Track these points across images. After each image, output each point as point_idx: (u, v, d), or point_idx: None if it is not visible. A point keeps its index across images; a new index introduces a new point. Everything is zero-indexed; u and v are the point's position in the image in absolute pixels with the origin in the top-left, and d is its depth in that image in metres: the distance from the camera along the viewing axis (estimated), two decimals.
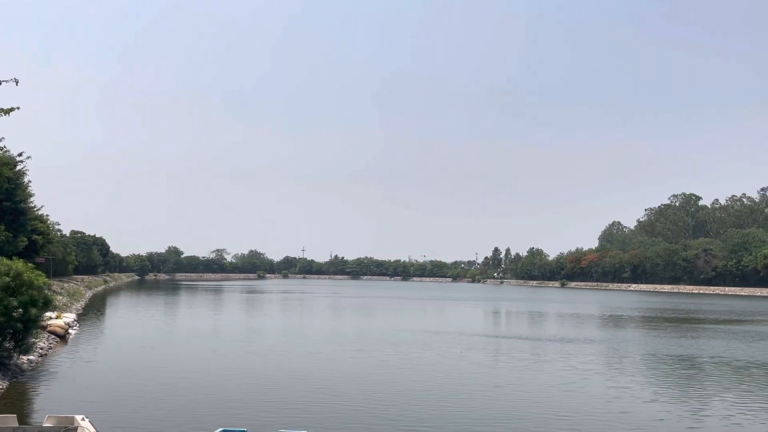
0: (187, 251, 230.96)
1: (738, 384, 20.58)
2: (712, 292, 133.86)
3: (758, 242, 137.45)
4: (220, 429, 12.14)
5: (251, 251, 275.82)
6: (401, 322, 43.62)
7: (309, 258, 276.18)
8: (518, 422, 14.81)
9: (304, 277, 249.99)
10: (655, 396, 18.01)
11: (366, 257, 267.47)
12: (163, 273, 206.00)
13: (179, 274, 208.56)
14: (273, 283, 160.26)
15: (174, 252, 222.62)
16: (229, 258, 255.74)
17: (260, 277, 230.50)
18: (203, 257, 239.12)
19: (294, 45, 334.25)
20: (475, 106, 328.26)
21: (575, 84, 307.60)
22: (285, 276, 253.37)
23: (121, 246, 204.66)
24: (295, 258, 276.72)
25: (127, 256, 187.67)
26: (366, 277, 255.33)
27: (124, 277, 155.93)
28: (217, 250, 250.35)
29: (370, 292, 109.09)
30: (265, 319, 45.97)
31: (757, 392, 19.19)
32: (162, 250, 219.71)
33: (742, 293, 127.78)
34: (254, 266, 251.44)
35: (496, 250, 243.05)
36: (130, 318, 44.13)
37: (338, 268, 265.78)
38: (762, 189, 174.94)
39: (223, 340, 30.59)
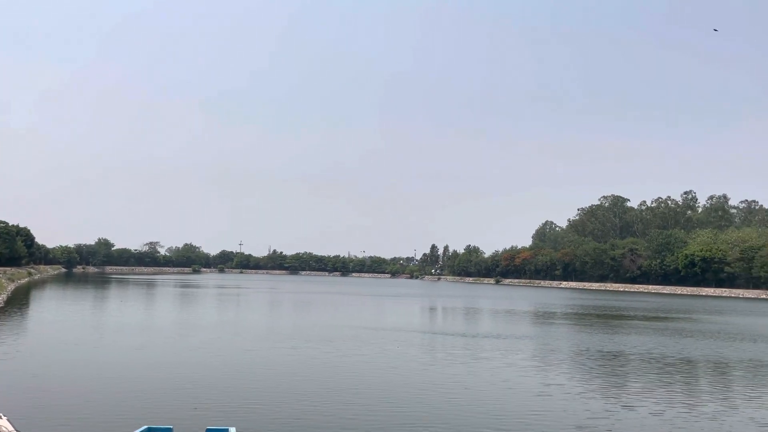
0: (119, 243, 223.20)
1: (666, 379, 21.32)
2: (636, 290, 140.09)
3: (680, 243, 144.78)
4: (145, 427, 11.75)
5: (186, 245, 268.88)
6: (339, 318, 43.51)
7: (246, 252, 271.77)
8: (457, 419, 14.97)
9: (241, 272, 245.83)
10: (588, 391, 18.42)
11: (305, 252, 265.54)
12: (93, 266, 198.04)
13: (109, 267, 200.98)
14: (208, 278, 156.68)
15: (104, 244, 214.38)
16: (162, 251, 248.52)
17: (195, 272, 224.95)
18: (135, 250, 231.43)
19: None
20: (435, 104, 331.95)
21: (525, 84, 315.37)
22: (221, 270, 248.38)
23: (49, 238, 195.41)
24: (232, 252, 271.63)
25: (54, 248, 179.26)
26: (305, 272, 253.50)
27: (51, 270, 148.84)
28: (150, 243, 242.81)
29: (308, 287, 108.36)
30: (199, 314, 44.88)
31: (685, 387, 19.97)
32: (92, 242, 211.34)
33: (665, 291, 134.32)
34: (189, 260, 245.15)
35: (434, 247, 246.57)
36: (56, 312, 42.15)
37: (276, 263, 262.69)
38: (685, 192, 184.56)
39: (153, 336, 29.63)
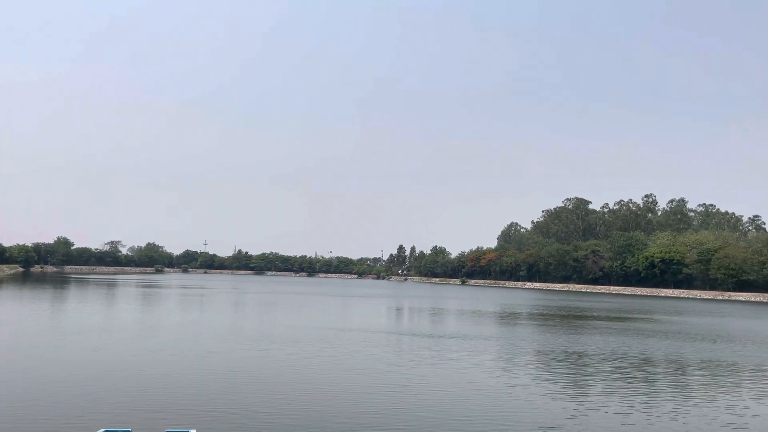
0: (79, 243, 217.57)
1: (629, 379, 21.56)
2: (598, 291, 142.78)
3: (640, 245, 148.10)
4: (103, 430, 11.38)
5: (149, 244, 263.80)
6: (304, 319, 43.08)
7: (211, 252, 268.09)
8: (424, 421, 14.81)
9: (206, 272, 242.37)
10: (554, 392, 18.51)
11: (271, 252, 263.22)
12: (51, 265, 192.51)
13: (69, 267, 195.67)
14: (172, 278, 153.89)
15: (64, 243, 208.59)
16: (124, 251, 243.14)
17: (158, 272, 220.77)
18: (96, 249, 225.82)
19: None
20: (406, 106, 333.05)
21: (497, 85, 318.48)
22: (185, 270, 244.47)
23: (5, 237, 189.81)
24: (196, 252, 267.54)
25: (11, 246, 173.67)
26: (271, 272, 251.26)
27: (7, 269, 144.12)
28: (112, 242, 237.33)
29: (273, 287, 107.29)
30: (160, 315, 43.89)
31: (648, 387, 20.20)
32: (50, 240, 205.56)
33: (625, 292, 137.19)
34: (152, 260, 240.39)
35: (401, 247, 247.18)
36: (10, 313, 40.69)
37: (242, 263, 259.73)
38: (646, 196, 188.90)
39: (112, 337, 28.77)
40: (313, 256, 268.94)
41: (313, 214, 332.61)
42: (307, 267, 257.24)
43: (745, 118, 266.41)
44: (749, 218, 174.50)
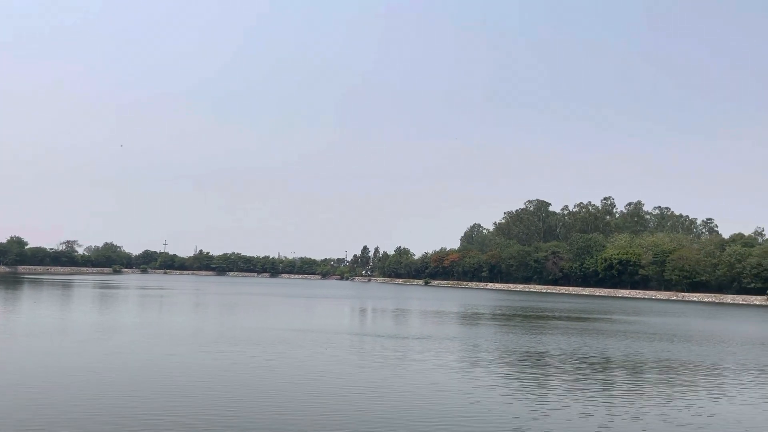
0: (33, 242, 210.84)
1: (591, 379, 21.80)
2: (558, 291, 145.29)
3: (599, 246, 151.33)
4: None
5: (106, 244, 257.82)
6: (266, 321, 42.49)
7: (171, 252, 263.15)
8: (387, 423, 14.63)
9: (166, 273, 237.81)
10: (517, 392, 18.55)
11: (233, 253, 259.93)
12: (4, 265, 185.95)
13: (22, 267, 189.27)
14: (130, 278, 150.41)
15: (17, 242, 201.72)
16: (80, 250, 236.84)
17: (116, 272, 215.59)
18: (51, 249, 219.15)
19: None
20: (374, 107, 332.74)
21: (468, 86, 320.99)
22: (144, 271, 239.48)
23: None
24: (155, 252, 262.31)
25: None
26: (232, 273, 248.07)
27: None
28: (68, 242, 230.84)
29: (235, 288, 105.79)
30: (117, 317, 42.67)
31: (609, 387, 20.43)
32: (3, 240, 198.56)
33: (584, 293, 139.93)
34: (109, 260, 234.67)
35: (365, 248, 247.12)
36: None
37: (203, 263, 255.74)
38: (605, 198, 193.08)
39: (64, 340, 27.80)
40: (276, 256, 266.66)
41: (277, 214, 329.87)
42: (270, 267, 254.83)
43: (703, 125, 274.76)
44: (703, 221, 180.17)
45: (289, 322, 41.64)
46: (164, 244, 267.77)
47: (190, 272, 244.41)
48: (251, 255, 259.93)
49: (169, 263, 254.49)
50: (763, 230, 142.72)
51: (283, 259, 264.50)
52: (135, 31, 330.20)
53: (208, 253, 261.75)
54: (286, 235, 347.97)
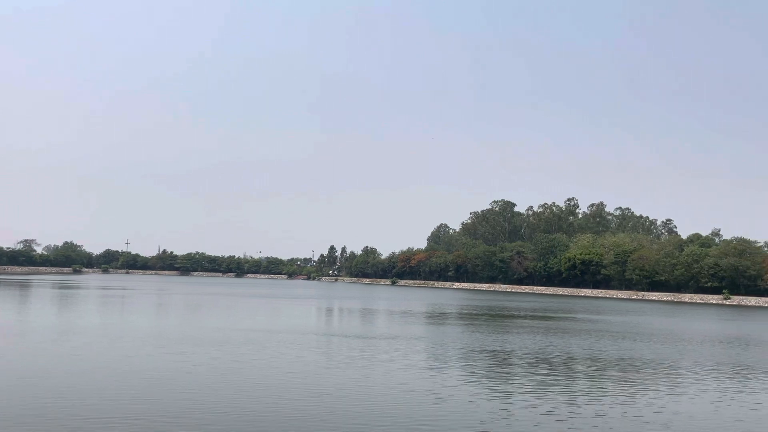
0: None
1: (557, 378, 21.99)
2: (523, 291, 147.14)
3: (562, 247, 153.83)
4: None
5: (66, 243, 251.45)
6: (232, 321, 41.85)
7: (133, 252, 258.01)
8: (355, 425, 14.43)
9: (128, 272, 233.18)
10: (484, 392, 18.53)
11: (197, 252, 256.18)
12: None
13: None
14: (90, 278, 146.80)
15: None
16: (39, 249, 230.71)
17: (76, 272, 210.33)
18: (8, 248, 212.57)
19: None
20: (342, 106, 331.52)
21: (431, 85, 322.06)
22: (105, 271, 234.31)
23: None
24: (117, 252, 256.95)
25: None
26: (197, 273, 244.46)
27: None
28: (25, 241, 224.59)
29: (199, 288, 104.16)
30: (76, 317, 41.48)
31: (575, 385, 20.65)
32: None
33: (548, 292, 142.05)
34: (69, 259, 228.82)
35: (332, 248, 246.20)
36: None
37: (166, 263, 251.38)
38: (568, 199, 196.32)
39: (21, 341, 26.83)
40: (242, 256, 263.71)
41: (242, 213, 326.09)
42: (236, 267, 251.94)
43: (664, 128, 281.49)
44: (662, 222, 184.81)
45: (254, 323, 41.08)
46: (126, 244, 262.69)
47: (153, 272, 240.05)
48: (216, 255, 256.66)
49: (132, 263, 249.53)
50: (720, 231, 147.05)
51: (249, 258, 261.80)
52: (101, 26, 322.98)
53: (171, 252, 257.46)
54: (252, 235, 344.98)
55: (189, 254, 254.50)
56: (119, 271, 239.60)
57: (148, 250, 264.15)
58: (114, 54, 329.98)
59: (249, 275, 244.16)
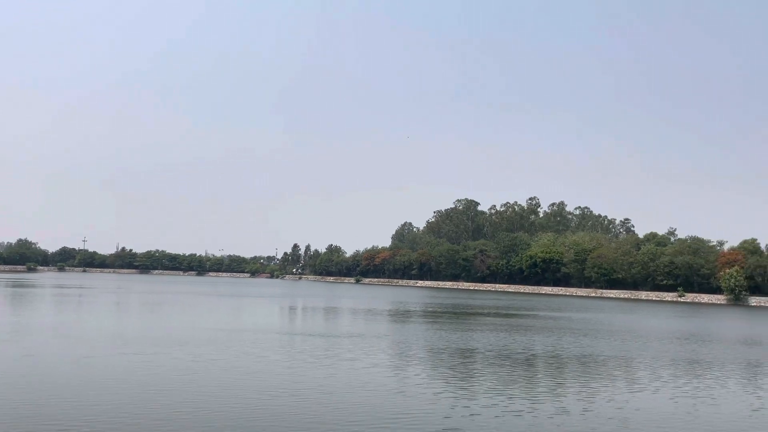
0: None
1: (519, 375, 22.20)
2: (485, 289, 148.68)
3: (524, 245, 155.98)
4: None
5: (20, 240, 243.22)
6: (193, 320, 41.11)
7: (91, 250, 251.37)
8: (319, 425, 14.26)
9: (85, 271, 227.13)
10: (448, 390, 18.58)
11: (157, 250, 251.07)
12: None
13: None
14: (46, 277, 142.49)
15: None
16: None
17: (30, 270, 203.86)
18: None
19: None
20: (308, 106, 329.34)
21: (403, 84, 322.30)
22: (61, 269, 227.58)
23: None
24: (74, 249, 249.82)
25: None
26: (157, 271, 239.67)
27: None
28: None
29: (159, 287, 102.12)
30: (31, 317, 40.12)
31: (537, 382, 20.86)
32: None
33: (510, 290, 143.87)
34: (24, 257, 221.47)
35: (296, 246, 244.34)
36: None
37: (125, 261, 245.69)
38: (530, 199, 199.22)
39: None
40: (204, 254, 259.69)
41: (204, 211, 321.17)
42: (197, 266, 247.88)
43: (624, 128, 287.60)
44: (621, 221, 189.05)
45: (217, 322, 40.44)
46: (84, 241, 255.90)
47: (112, 270, 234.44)
48: (177, 253, 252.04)
49: (89, 261, 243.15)
50: (675, 230, 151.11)
51: (211, 257, 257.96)
52: (60, 27, 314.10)
53: (131, 250, 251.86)
54: (215, 233, 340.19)
55: (149, 252, 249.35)
56: (76, 269, 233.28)
57: (106, 248, 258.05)
58: (82, 51, 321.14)
59: (211, 274, 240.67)
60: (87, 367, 20.97)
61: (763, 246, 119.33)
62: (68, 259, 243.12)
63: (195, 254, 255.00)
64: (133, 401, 16.08)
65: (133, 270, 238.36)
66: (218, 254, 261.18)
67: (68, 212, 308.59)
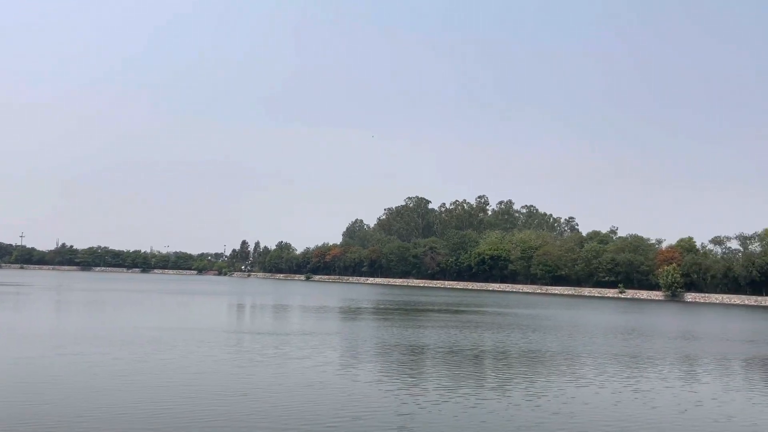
0: None
1: (471, 371, 22.37)
2: (435, 286, 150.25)
3: (473, 242, 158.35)
4: None
5: None
6: (137, 319, 39.86)
7: (29, 246, 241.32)
8: (269, 427, 13.99)
9: (22, 267, 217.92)
10: (401, 388, 18.52)
11: (99, 247, 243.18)
12: None
13: None
14: None
15: None
16: None
17: None
18: None
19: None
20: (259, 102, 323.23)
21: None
22: None
23: None
24: (10, 245, 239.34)
25: None
26: (99, 268, 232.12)
27: None
28: None
29: (102, 284, 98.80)
30: None
31: (486, 378, 21.05)
32: None
33: (459, 286, 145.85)
34: None
35: (245, 243, 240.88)
36: None
37: (66, 257, 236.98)
38: (479, 197, 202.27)
39: None
40: (149, 251, 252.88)
41: (150, 207, 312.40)
42: (142, 263, 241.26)
43: (570, 128, 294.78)
44: (565, 219, 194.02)
45: (161, 321, 39.34)
46: (21, 237, 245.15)
47: (51, 267, 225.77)
48: (121, 249, 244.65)
49: (27, 257, 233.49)
50: (617, 229, 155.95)
51: (156, 253, 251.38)
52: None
53: (71, 246, 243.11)
54: (161, 230, 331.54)
55: (91, 248, 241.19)
56: (12, 266, 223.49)
57: (45, 244, 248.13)
58: (44, 51, 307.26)
59: (156, 271, 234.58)
60: (25, 367, 19.99)
61: (698, 244, 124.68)
62: (4, 256, 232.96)
63: (140, 251, 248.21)
64: (73, 403, 15.39)
65: (74, 267, 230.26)
66: (164, 251, 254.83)
67: (4, 206, 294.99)
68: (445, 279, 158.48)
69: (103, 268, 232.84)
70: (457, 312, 55.38)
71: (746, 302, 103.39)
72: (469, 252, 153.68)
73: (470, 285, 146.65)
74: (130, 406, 15.26)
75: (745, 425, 15.87)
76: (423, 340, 31.16)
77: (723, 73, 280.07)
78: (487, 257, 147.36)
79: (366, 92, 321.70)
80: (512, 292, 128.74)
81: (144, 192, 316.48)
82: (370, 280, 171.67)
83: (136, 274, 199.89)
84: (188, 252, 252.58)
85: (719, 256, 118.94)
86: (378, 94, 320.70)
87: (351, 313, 51.90)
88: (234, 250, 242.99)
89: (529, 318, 50.70)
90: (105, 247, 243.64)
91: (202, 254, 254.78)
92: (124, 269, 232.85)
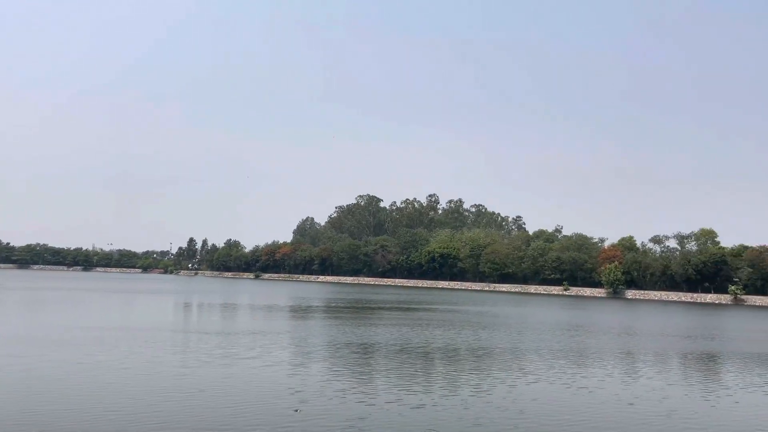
0: None
1: (421, 369, 22.35)
2: (386, 283, 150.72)
3: (423, 241, 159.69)
4: None
5: None
6: (76, 319, 38.30)
7: None
8: (215, 428, 13.59)
9: None
10: (351, 388, 18.30)
11: (38, 244, 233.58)
12: None
13: None
14: None
15: None
16: None
17: None
18: None
19: None
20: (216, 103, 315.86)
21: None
22: None
23: None
24: None
25: None
26: (38, 266, 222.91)
27: None
28: None
29: (40, 283, 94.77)
30: None
31: (440, 376, 21.11)
32: None
33: (409, 284, 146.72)
34: None
35: (192, 240, 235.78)
36: None
37: (2, 255, 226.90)
38: (429, 195, 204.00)
39: None
40: (91, 248, 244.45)
41: (91, 205, 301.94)
42: (83, 260, 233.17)
43: (517, 128, 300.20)
44: (513, 218, 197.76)
45: (103, 320, 37.91)
46: None
47: None
48: (61, 246, 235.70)
49: None
50: (562, 228, 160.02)
51: (99, 251, 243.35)
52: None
53: (8, 243, 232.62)
54: (104, 226, 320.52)
55: (29, 245, 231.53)
56: None
57: None
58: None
59: (99, 269, 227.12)
60: None
61: (639, 243, 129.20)
62: None
63: (81, 248, 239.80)
64: (6, 407, 14.55)
65: (11, 265, 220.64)
66: (107, 248, 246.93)
67: None
68: (395, 277, 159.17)
69: (42, 266, 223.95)
70: (407, 310, 55.56)
71: (683, 299, 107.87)
72: (419, 250, 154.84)
73: (420, 283, 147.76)
74: (71, 409, 14.55)
75: (685, 416, 16.40)
76: (374, 339, 31.04)
77: (654, 72, 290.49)
78: (437, 255, 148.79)
79: (329, 91, 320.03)
80: (461, 289, 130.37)
81: (87, 189, 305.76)
82: (321, 278, 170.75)
83: (78, 273, 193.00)
84: (132, 250, 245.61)
85: (658, 255, 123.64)
86: (342, 94, 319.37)
87: (301, 311, 51.35)
88: (180, 248, 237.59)
89: (479, 315, 51.32)
90: (44, 245, 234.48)
91: (147, 252, 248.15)
92: (65, 267, 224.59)
